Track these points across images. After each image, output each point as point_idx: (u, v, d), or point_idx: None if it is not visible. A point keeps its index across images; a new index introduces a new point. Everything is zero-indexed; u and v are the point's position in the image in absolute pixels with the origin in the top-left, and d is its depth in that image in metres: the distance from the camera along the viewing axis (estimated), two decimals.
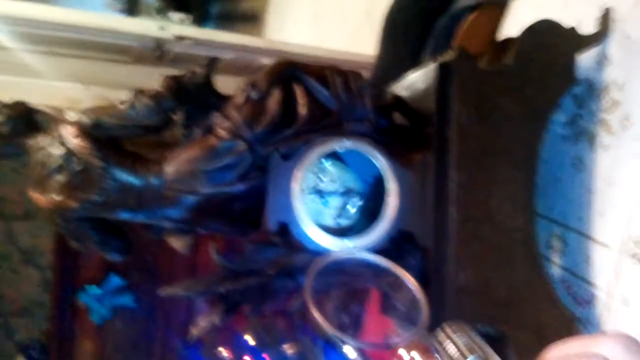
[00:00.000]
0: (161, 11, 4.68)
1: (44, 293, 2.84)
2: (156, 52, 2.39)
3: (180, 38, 2.29)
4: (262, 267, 0.69)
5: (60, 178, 0.69)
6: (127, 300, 2.33)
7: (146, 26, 2.29)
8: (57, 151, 0.69)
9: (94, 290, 2.25)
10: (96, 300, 2.28)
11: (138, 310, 2.32)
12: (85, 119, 0.71)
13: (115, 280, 2.26)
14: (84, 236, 0.70)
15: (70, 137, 0.69)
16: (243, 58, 2.43)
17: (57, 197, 0.68)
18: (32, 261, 2.86)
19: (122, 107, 0.72)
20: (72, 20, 2.28)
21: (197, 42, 2.30)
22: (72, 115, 0.71)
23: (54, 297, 2.39)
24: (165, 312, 2.33)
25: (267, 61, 2.51)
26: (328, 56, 2.36)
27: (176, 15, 4.81)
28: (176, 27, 2.35)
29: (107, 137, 0.72)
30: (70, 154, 0.68)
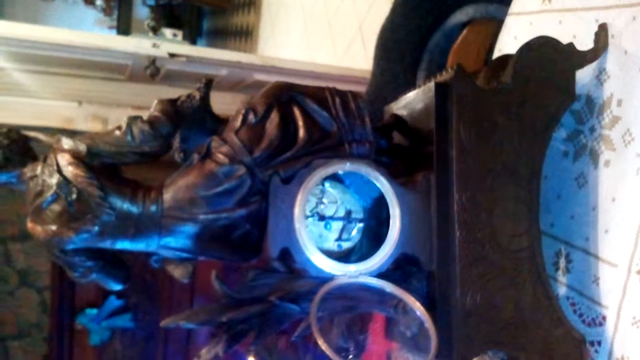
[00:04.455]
0: (153, 27, 4.69)
1: (42, 315, 2.80)
2: (149, 70, 2.39)
3: (174, 55, 2.30)
4: (264, 294, 0.68)
5: (55, 207, 0.68)
6: (124, 320, 2.31)
7: (140, 44, 2.30)
8: (52, 180, 0.68)
9: (93, 312, 2.23)
10: (95, 322, 2.25)
11: (137, 331, 2.30)
12: (81, 146, 0.70)
13: (113, 301, 2.24)
14: (81, 267, 0.69)
15: (66, 164, 0.68)
16: (236, 74, 2.43)
17: (53, 227, 0.66)
18: (30, 282, 2.82)
19: (118, 133, 0.71)
20: (65, 39, 2.28)
21: (191, 60, 2.31)
22: (67, 142, 0.70)
23: (52, 319, 2.36)
24: (164, 331, 2.30)
25: (260, 77, 2.52)
26: (321, 71, 2.37)
27: (168, 31, 4.82)
28: (170, 44, 2.35)
29: (103, 164, 0.71)
30: (65, 182, 0.67)
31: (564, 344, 0.66)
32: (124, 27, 5.39)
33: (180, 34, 4.71)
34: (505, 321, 0.66)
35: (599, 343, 0.69)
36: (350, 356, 0.86)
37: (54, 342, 2.32)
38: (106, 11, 5.61)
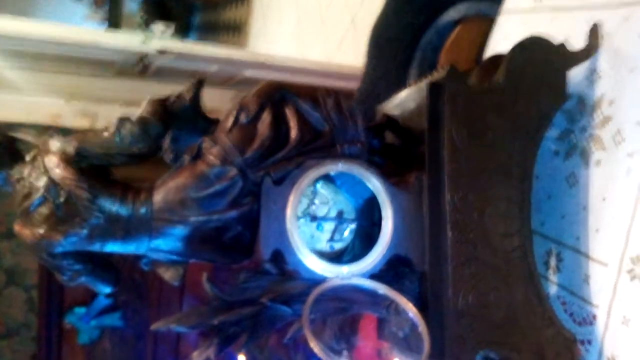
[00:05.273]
0: (144, 22, 4.64)
1: (30, 314, 2.77)
2: (138, 66, 2.36)
3: (163, 52, 2.27)
4: (256, 296, 0.67)
5: (43, 210, 0.66)
6: (113, 319, 2.29)
7: (129, 40, 2.26)
8: (40, 182, 0.67)
9: (81, 311, 2.21)
10: (83, 320, 2.23)
11: (127, 330, 2.28)
12: (69, 148, 0.68)
13: (102, 300, 2.22)
14: (69, 270, 0.68)
15: (54, 167, 0.67)
16: (227, 70, 2.41)
17: (40, 231, 0.65)
18: (17, 281, 2.79)
19: (106, 134, 0.70)
20: (53, 35, 2.24)
21: (180, 56, 2.28)
22: (55, 144, 0.69)
23: (40, 318, 2.33)
24: (154, 330, 2.29)
25: (251, 73, 2.50)
26: (312, 67, 2.36)
27: (159, 26, 4.78)
28: (159, 40, 2.32)
29: (92, 165, 0.70)
30: (53, 184, 0.66)
31: (555, 344, 0.67)
32: (114, 22, 5.34)
33: (171, 28, 4.66)
34: (497, 321, 0.66)
35: (590, 342, 0.70)
36: (343, 357, 0.86)
37: (42, 341, 2.30)
38: (97, 3, 5.54)
